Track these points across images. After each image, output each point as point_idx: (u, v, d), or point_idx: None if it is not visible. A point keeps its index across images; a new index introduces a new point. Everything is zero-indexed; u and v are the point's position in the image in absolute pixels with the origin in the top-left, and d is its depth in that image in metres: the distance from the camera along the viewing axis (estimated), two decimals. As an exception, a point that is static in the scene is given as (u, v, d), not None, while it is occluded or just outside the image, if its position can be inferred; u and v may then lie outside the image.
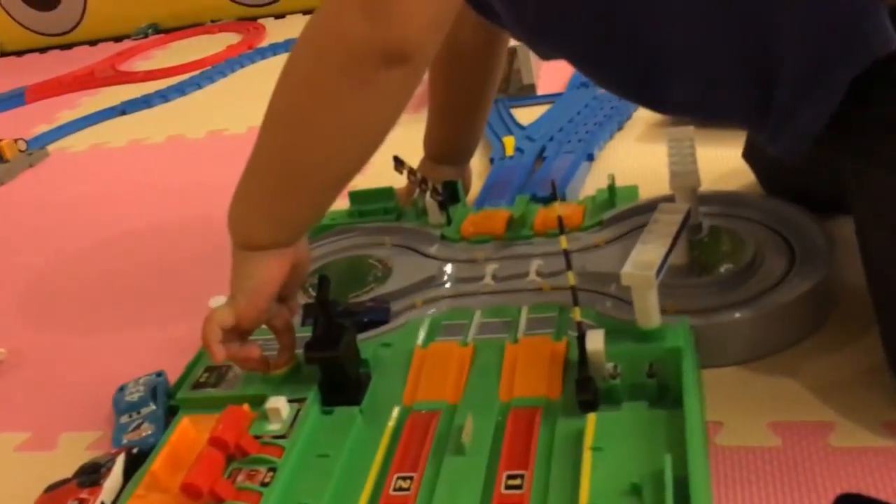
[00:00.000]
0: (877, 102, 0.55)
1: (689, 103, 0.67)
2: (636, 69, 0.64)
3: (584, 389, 0.58)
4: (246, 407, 0.61)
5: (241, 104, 1.53)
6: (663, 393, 0.58)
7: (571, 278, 0.63)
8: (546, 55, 0.72)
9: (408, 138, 0.95)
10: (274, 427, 0.59)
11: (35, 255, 1.12)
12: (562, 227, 0.64)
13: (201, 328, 0.61)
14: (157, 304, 0.93)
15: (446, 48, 0.93)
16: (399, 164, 0.79)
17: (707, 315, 0.66)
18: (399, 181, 0.88)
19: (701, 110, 0.68)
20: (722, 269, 0.71)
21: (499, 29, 0.76)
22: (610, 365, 0.60)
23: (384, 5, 0.54)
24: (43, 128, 1.59)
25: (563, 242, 0.63)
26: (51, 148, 1.50)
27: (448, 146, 0.96)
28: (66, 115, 1.66)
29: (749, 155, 0.86)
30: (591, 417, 0.56)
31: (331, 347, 0.61)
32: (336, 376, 0.62)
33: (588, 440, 0.54)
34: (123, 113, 1.61)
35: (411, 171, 0.81)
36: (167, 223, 1.12)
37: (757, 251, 0.72)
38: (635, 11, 0.61)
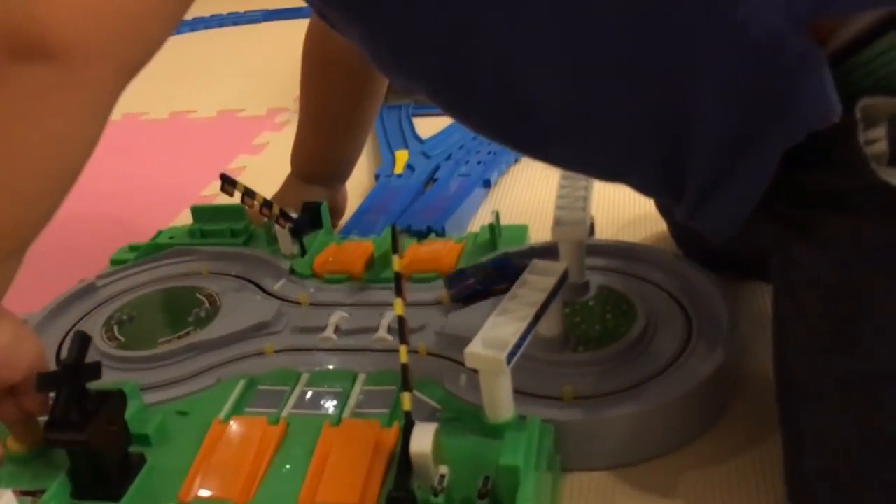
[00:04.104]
0: (819, 174, 0.44)
1: (573, 165, 0.54)
2: (508, 124, 0.51)
3: (396, 508, 0.45)
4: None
5: (161, 84, 1.35)
6: (499, 517, 0.45)
7: (403, 355, 0.50)
8: (403, 85, 0.58)
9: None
10: (-10, 532, 0.45)
11: None
12: (399, 287, 0.50)
13: None
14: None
15: (318, 51, 0.80)
16: (229, 183, 0.65)
17: (578, 406, 0.53)
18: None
19: (591, 173, 0.55)
20: (603, 345, 0.58)
21: None
22: (443, 470, 0.47)
23: None
24: None
25: (399, 308, 0.50)
26: None
27: (318, 164, 0.82)
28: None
29: (660, 206, 0.74)
30: (398, 551, 0.43)
31: (76, 428, 0.46)
32: (88, 464, 0.48)
33: (386, 586, 0.41)
34: None
35: (248, 193, 0.67)
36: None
37: (648, 324, 0.59)
38: (505, 57, 0.47)
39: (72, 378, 0.47)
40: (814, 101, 0.41)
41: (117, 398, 0.49)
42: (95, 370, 0.49)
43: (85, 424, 0.46)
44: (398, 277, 0.51)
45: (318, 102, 0.80)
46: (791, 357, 0.47)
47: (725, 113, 0.44)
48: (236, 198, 0.67)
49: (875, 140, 0.41)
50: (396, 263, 0.50)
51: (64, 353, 0.49)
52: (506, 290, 0.55)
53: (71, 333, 0.64)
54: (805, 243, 0.46)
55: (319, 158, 0.82)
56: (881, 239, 0.42)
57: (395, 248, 0.51)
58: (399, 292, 0.50)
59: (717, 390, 0.56)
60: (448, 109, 0.53)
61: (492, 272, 0.63)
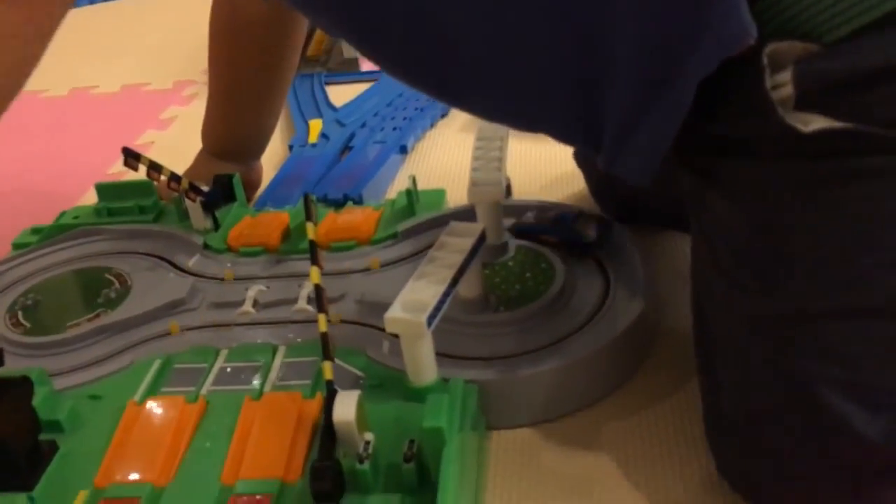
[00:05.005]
0: (727, 121, 0.44)
1: (492, 111, 0.54)
2: (422, 61, 0.50)
3: (320, 476, 0.44)
4: None
5: (61, 60, 1.27)
6: (424, 479, 0.45)
7: (322, 323, 0.49)
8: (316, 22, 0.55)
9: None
10: None
11: None
12: (314, 256, 0.49)
13: None
14: None
15: (226, 18, 0.76)
16: (133, 157, 0.63)
17: (500, 365, 0.54)
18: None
19: (510, 121, 0.54)
20: (523, 304, 0.58)
21: None
22: (368, 436, 0.46)
23: None
24: None
25: (315, 276, 0.49)
26: None
27: (230, 141, 0.79)
28: None
29: (579, 158, 0.74)
30: (325, 519, 0.42)
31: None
32: (-6, 454, 0.46)
33: (314, 555, 0.40)
34: None
35: (153, 167, 0.64)
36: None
37: (567, 281, 0.60)
38: None
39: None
40: (728, 25, 0.40)
41: (23, 385, 0.47)
42: (-3, 355, 0.46)
43: (-12, 414, 0.44)
44: (313, 246, 0.50)
45: (228, 74, 0.77)
46: (707, 301, 0.48)
47: (641, 49, 0.43)
48: (142, 172, 0.64)
49: (781, 84, 0.42)
50: (311, 231, 0.49)
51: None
52: (551, 243, 0.62)
53: (-28, 322, 0.61)
54: (716, 191, 0.46)
55: (231, 134, 0.79)
56: (787, 183, 0.43)
57: (309, 216, 0.50)
58: (315, 261, 0.49)
59: (635, 341, 0.57)
60: (363, 50, 0.51)
61: (548, 222, 0.64)
